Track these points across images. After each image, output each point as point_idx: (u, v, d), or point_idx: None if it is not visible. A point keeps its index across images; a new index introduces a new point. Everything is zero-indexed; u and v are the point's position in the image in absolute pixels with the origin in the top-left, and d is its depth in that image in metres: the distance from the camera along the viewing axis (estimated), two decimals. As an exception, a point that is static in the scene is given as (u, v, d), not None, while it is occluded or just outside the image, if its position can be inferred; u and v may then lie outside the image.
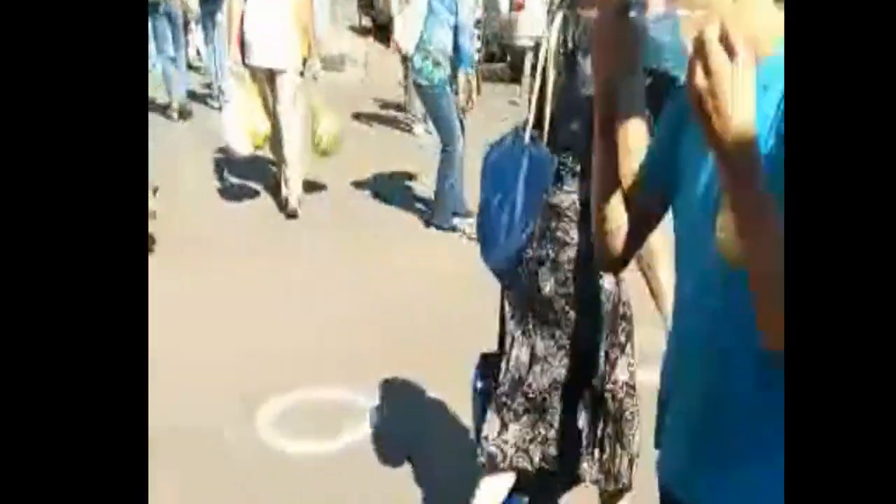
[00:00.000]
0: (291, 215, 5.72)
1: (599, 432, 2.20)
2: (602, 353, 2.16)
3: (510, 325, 2.24)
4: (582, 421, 2.20)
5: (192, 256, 4.84)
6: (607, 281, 2.13)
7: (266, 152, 5.92)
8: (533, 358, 2.19)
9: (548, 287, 2.13)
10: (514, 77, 9.87)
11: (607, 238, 1.37)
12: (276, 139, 5.61)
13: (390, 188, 6.23)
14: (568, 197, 2.11)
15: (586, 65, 1.99)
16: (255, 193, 6.23)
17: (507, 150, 2.16)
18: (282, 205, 5.81)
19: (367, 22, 18.41)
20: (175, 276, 4.31)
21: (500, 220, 2.13)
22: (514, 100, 9.11)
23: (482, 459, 2.25)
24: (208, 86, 9.50)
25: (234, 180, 6.58)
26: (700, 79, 0.96)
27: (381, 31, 17.05)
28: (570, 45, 2.09)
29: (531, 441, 2.21)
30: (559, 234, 2.11)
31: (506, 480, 2.26)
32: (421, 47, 5.29)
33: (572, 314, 2.13)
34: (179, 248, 4.90)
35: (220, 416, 3.20)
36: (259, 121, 5.46)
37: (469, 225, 5.07)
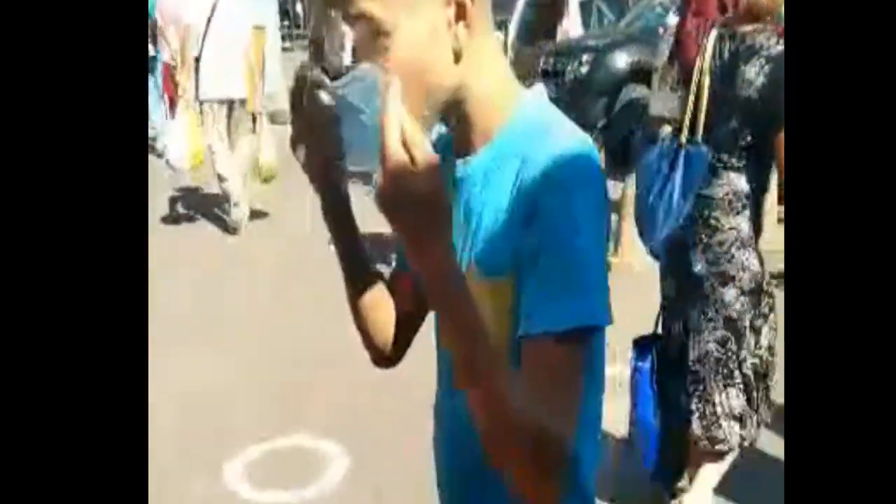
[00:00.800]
0: (235, 230, 6.35)
1: (752, 394, 2.50)
2: (747, 324, 2.45)
3: (665, 304, 2.63)
4: (733, 389, 2.48)
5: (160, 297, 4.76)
6: (752, 261, 2.43)
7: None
8: (686, 332, 2.51)
9: (699, 266, 2.46)
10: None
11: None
12: (226, 166, 6.22)
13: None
14: (721, 189, 2.42)
15: (742, 72, 2.36)
16: (222, 243, 6.17)
17: (660, 150, 2.52)
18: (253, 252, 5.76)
19: (319, 75, 18.59)
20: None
21: (658, 209, 2.45)
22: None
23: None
24: None
25: (194, 225, 6.52)
26: (387, 189, 0.84)
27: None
28: (725, 57, 2.45)
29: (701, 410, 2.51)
30: (712, 220, 2.44)
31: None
32: None
33: (721, 290, 2.44)
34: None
35: (187, 468, 3.11)
36: (200, 143, 6.23)
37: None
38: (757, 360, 2.51)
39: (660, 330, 2.68)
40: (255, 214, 6.66)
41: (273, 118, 12.52)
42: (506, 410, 0.91)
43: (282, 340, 4.40)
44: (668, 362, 2.60)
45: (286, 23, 22.90)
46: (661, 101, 7.35)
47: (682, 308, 2.52)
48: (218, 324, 4.64)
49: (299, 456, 3.23)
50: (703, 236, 2.46)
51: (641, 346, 2.79)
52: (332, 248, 1.20)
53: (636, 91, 8.33)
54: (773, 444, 3.01)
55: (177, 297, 5.00)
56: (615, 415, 3.31)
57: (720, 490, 2.71)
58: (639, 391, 2.76)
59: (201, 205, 7.22)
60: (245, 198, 6.38)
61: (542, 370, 0.95)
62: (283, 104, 13.13)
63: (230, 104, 6.27)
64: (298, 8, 28.18)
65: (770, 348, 2.55)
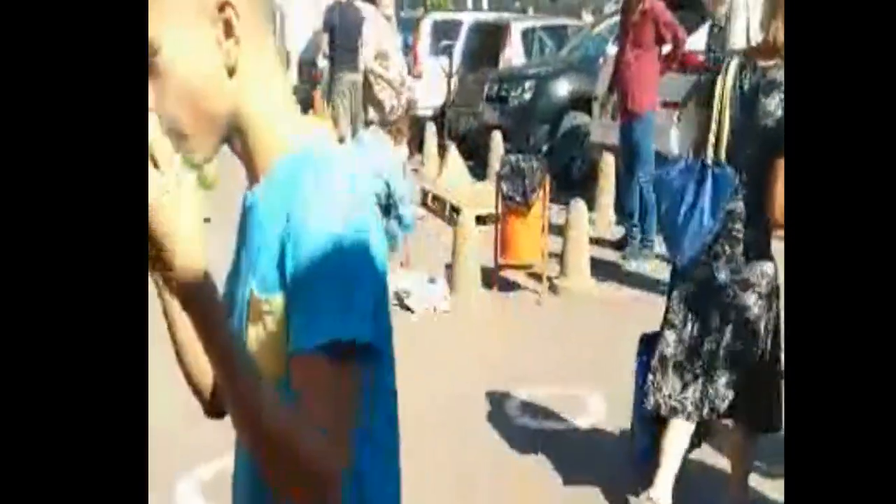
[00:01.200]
0: None
1: (769, 387, 2.72)
2: (762, 325, 2.68)
3: (678, 307, 2.80)
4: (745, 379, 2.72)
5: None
6: (769, 268, 2.67)
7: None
8: (705, 332, 2.73)
9: (723, 275, 2.67)
10: (417, 147, 9.98)
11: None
12: None
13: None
14: (739, 204, 2.63)
15: (763, 104, 2.55)
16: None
17: (686, 169, 2.72)
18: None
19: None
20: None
21: (688, 227, 2.65)
22: (416, 168, 9.27)
23: (664, 412, 2.78)
24: None
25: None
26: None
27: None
28: (745, 87, 2.62)
29: (703, 398, 2.74)
30: (734, 232, 2.65)
31: (687, 429, 2.79)
32: None
33: (741, 295, 2.67)
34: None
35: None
36: None
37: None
38: (779, 354, 2.72)
39: (667, 329, 2.87)
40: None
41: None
42: (267, 430, 0.95)
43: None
44: (680, 355, 2.81)
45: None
46: (601, 129, 7.60)
47: (701, 312, 2.75)
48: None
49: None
50: (727, 247, 2.68)
51: (646, 343, 3.03)
52: None
53: (577, 118, 8.55)
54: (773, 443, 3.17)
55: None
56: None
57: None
58: (637, 384, 3.02)
59: None
60: None
61: (307, 386, 0.98)
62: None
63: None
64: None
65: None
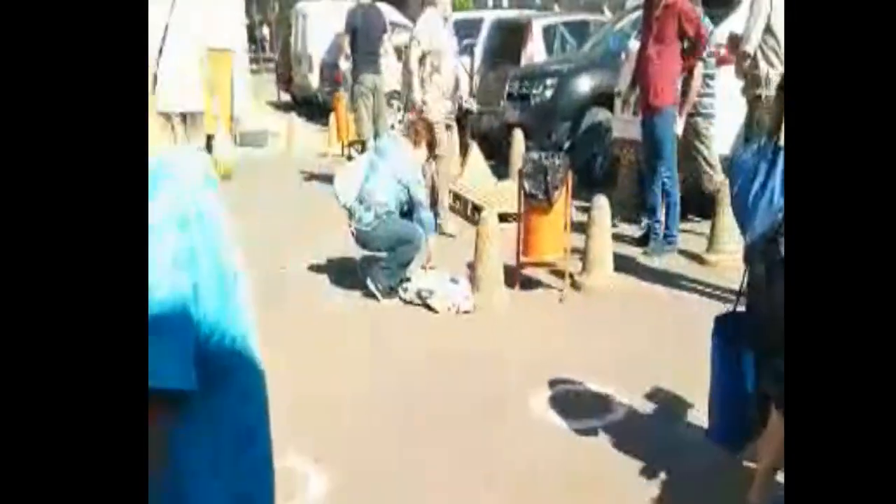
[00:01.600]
0: None
1: None
2: None
3: (753, 285, 2.84)
4: None
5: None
6: None
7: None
8: (775, 310, 2.64)
9: None
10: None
11: None
12: None
13: (336, 253, 6.25)
14: None
15: None
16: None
17: (759, 151, 2.78)
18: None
19: (286, 97, 18.62)
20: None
21: (758, 205, 2.69)
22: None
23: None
24: None
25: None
26: None
27: (301, 106, 17.29)
28: None
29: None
30: None
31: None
32: (365, 197, 5.25)
33: None
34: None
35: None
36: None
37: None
38: None
39: (744, 308, 2.94)
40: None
41: (241, 139, 12.57)
42: None
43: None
44: (752, 337, 2.85)
45: (253, 47, 22.92)
46: (623, 124, 7.56)
47: (771, 290, 2.75)
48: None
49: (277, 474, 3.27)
50: None
51: (718, 324, 3.09)
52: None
53: (599, 115, 8.51)
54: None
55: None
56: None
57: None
58: (712, 364, 3.07)
59: None
60: None
61: None
62: (251, 125, 13.19)
63: (185, 116, 6.97)
64: (266, 32, 28.21)
65: None
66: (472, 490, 3.12)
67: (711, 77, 6.33)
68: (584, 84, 8.79)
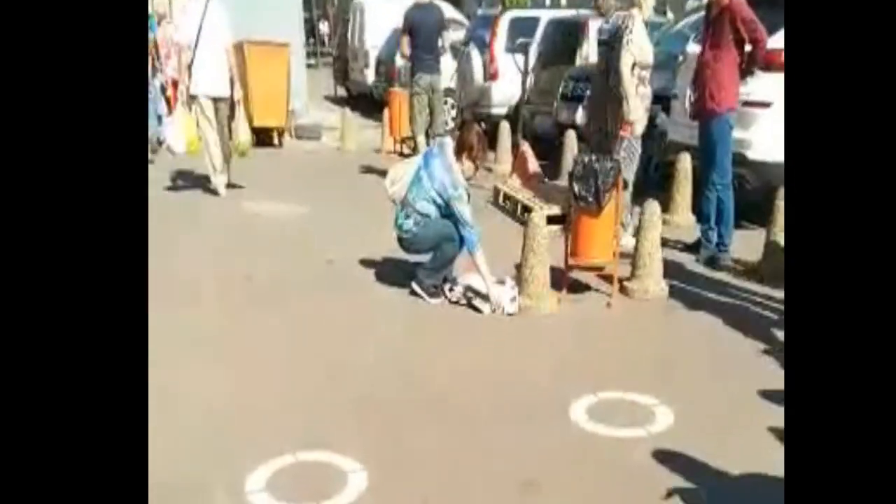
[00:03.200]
0: (216, 193, 8.43)
1: None
2: None
3: None
4: None
5: (184, 313, 4.87)
6: None
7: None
8: None
9: None
10: (490, 145, 9.94)
11: None
12: (211, 144, 8.32)
13: (384, 251, 6.29)
14: None
15: None
16: (244, 255, 6.28)
17: None
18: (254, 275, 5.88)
19: (342, 92, 18.77)
20: (164, 331, 4.32)
21: None
22: (490, 166, 9.26)
23: None
24: None
25: (221, 244, 6.65)
26: None
27: (356, 100, 17.41)
28: None
29: None
30: None
31: None
32: (407, 204, 5.28)
33: None
34: (163, 305, 4.92)
35: (210, 480, 3.19)
36: (194, 133, 8.36)
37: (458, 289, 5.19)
38: None
39: None
40: (232, 185, 8.69)
41: (297, 132, 12.71)
42: None
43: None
44: None
45: (312, 41, 23.13)
46: (679, 128, 7.44)
47: None
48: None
49: (319, 470, 3.31)
50: None
51: None
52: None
53: (656, 117, 8.39)
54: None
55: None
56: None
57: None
58: None
59: (192, 178, 9.21)
60: (224, 170, 8.51)
61: None
62: (307, 119, 13.32)
63: (215, 100, 8.23)
64: (324, 27, 28.45)
65: None
66: (508, 494, 3.11)
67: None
68: (640, 86, 8.66)
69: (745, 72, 5.85)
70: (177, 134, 8.38)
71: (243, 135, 8.58)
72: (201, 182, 8.84)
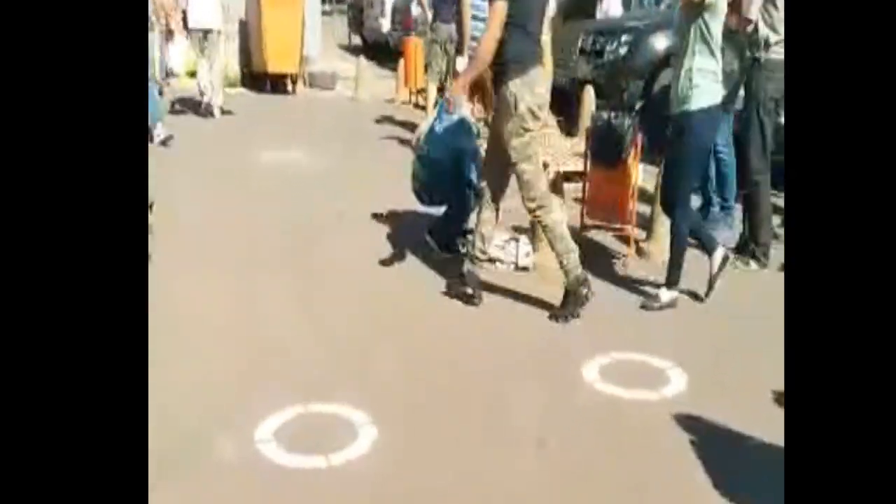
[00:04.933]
0: (210, 114, 9.85)
1: None
2: None
3: None
4: None
5: (190, 270, 4.85)
6: None
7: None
8: None
9: None
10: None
11: None
12: (203, 72, 9.83)
13: (393, 204, 6.23)
14: None
15: None
16: (254, 205, 6.24)
17: None
18: (273, 221, 5.86)
19: (357, 41, 18.53)
20: (174, 291, 4.32)
21: None
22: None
23: None
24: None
25: (231, 193, 6.61)
26: None
27: (371, 49, 17.20)
28: None
29: None
30: None
31: None
32: (423, 155, 5.25)
33: None
34: (177, 262, 4.91)
35: (219, 429, 3.20)
36: (192, 60, 10.14)
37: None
38: None
39: None
40: (224, 112, 10.03)
41: (311, 80, 12.57)
42: None
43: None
44: None
45: (326, -13, 22.77)
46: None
47: None
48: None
49: (328, 422, 3.31)
50: None
51: None
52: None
53: (674, 75, 8.25)
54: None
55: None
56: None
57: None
58: None
59: (189, 104, 10.37)
60: (218, 94, 9.96)
61: None
62: (321, 67, 13.17)
63: (206, 32, 9.62)
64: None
65: None
66: (518, 451, 3.11)
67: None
68: (660, 42, 8.51)
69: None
70: (176, 59, 10.16)
71: (232, 66, 10.64)
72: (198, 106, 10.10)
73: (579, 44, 9.28)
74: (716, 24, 4.21)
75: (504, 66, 4.14)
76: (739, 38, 5.21)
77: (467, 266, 4.53)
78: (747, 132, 5.12)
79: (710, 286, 4.55)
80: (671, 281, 4.52)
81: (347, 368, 3.76)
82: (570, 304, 4.32)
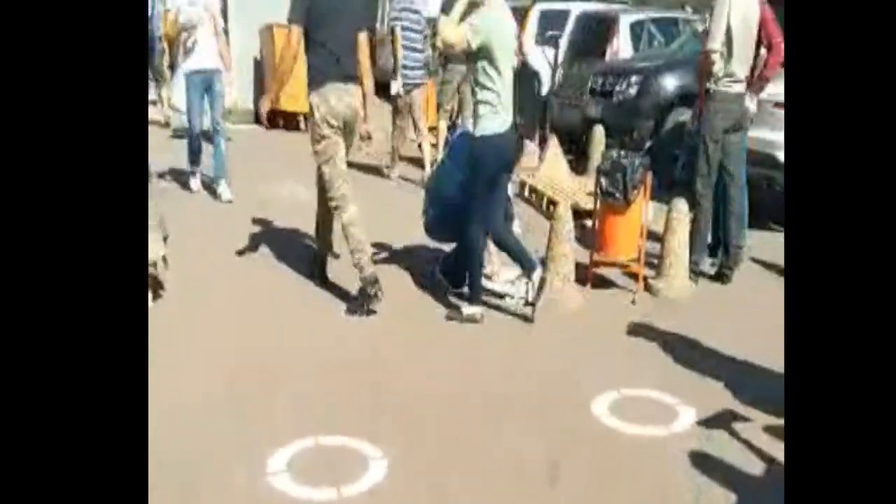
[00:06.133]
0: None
1: None
2: None
3: None
4: None
5: (203, 302, 4.89)
6: None
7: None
8: None
9: None
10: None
11: None
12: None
13: (403, 239, 6.29)
14: None
15: None
16: (264, 242, 6.30)
17: None
18: (288, 252, 5.91)
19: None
20: (186, 323, 4.35)
21: None
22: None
23: None
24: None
25: (242, 225, 6.67)
26: None
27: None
28: None
29: None
30: None
31: None
32: (432, 190, 5.41)
33: None
34: (189, 293, 4.95)
35: (230, 461, 3.22)
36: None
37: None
38: None
39: None
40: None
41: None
42: None
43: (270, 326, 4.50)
44: None
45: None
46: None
47: None
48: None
49: (339, 455, 3.32)
50: None
51: None
52: None
53: (684, 115, 8.32)
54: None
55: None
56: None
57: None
58: None
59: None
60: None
61: None
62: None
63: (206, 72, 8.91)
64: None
65: None
66: (527, 486, 3.11)
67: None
68: (670, 83, 8.61)
69: (756, 83, 5.47)
70: (179, 93, 9.64)
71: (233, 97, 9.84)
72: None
73: (589, 84, 9.39)
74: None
75: (309, 80, 5.06)
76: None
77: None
78: (696, 158, 5.50)
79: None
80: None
81: (358, 400, 3.78)
82: (360, 300, 4.84)
